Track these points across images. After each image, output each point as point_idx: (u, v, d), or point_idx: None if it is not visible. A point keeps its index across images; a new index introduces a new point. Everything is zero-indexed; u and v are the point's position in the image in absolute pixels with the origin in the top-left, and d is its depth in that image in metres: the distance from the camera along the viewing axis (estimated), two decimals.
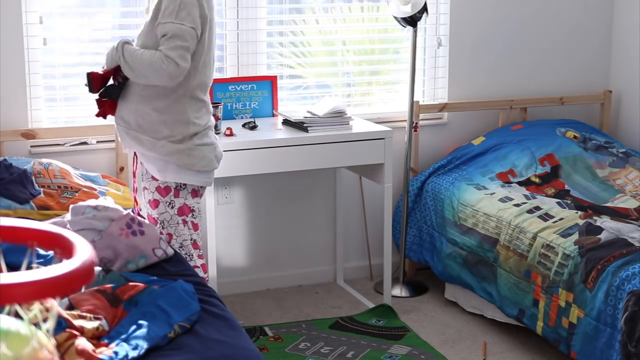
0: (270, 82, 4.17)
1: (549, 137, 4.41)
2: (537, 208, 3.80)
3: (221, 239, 4.20)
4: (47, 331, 1.27)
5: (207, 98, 3.21)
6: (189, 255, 3.21)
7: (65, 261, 1.23)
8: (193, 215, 3.21)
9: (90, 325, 2.37)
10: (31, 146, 3.88)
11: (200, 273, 3.22)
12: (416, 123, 4.40)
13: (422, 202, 4.34)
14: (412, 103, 4.32)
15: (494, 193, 4.02)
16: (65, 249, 1.28)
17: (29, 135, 3.78)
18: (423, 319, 4.05)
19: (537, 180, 4.17)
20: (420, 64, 4.55)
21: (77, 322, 2.35)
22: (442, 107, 4.56)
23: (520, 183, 4.14)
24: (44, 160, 3.60)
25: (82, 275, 1.20)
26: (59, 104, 3.96)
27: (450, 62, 4.59)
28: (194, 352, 2.30)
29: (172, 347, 2.33)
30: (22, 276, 1.14)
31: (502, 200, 3.93)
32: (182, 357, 2.27)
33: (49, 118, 3.93)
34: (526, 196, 3.96)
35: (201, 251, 3.28)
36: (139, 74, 3.03)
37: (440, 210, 4.18)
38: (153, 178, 3.15)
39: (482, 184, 4.13)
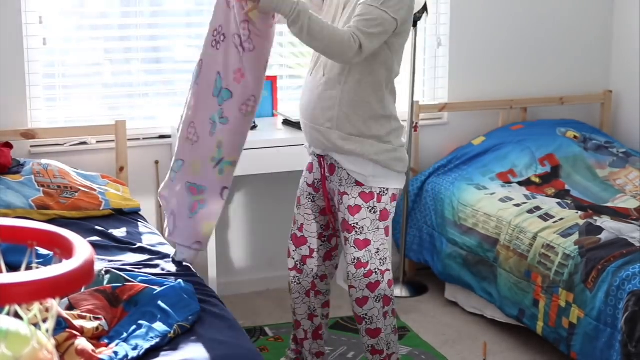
0: (270, 82, 4.17)
1: (549, 137, 4.41)
2: (538, 208, 3.80)
3: (221, 239, 4.19)
4: (47, 331, 1.27)
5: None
6: (382, 261, 3.07)
7: (65, 261, 1.23)
8: (390, 219, 3.09)
9: (90, 325, 2.37)
10: (31, 146, 3.88)
11: (385, 279, 3.08)
12: (416, 123, 4.40)
13: (422, 202, 4.34)
14: (412, 103, 4.32)
15: (494, 193, 4.02)
16: (65, 249, 1.28)
17: (28, 135, 3.78)
18: (423, 319, 4.05)
19: (537, 180, 4.17)
20: (420, 64, 4.54)
21: (77, 322, 2.35)
22: (442, 107, 4.55)
23: (520, 183, 4.14)
24: (44, 161, 3.60)
25: (82, 275, 1.20)
26: (59, 104, 3.96)
27: (450, 62, 4.59)
28: (194, 352, 2.30)
29: (172, 347, 2.33)
30: (22, 276, 1.14)
31: (502, 200, 3.93)
32: (182, 357, 2.28)
33: (48, 118, 3.92)
34: (526, 196, 3.96)
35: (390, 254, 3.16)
36: (318, 39, 2.75)
37: (440, 210, 4.18)
38: (357, 183, 2.99)
39: (482, 184, 4.13)
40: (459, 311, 4.11)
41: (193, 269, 3.03)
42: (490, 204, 3.93)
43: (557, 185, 4.14)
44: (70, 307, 2.47)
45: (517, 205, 3.86)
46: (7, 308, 1.23)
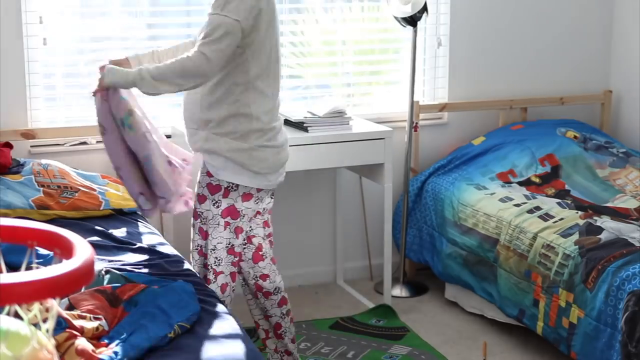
0: None
1: (549, 137, 4.41)
2: (538, 208, 3.80)
3: None
4: (47, 331, 1.27)
5: (274, 94, 3.10)
6: (218, 260, 3.11)
7: (65, 261, 1.23)
8: (240, 219, 3.11)
9: (90, 325, 2.36)
10: (31, 146, 3.88)
11: (217, 282, 3.12)
12: (416, 123, 4.40)
13: (422, 202, 4.34)
14: (412, 103, 4.32)
15: (494, 193, 4.02)
16: (65, 249, 1.28)
17: (28, 135, 3.78)
18: (423, 319, 4.05)
19: (537, 180, 4.17)
20: (420, 64, 4.54)
21: (77, 322, 2.35)
22: (442, 107, 4.55)
23: (520, 183, 4.13)
24: (44, 161, 3.60)
25: (82, 275, 1.20)
26: (59, 104, 3.96)
27: (450, 62, 4.59)
28: (194, 352, 2.30)
29: (172, 347, 2.33)
30: (22, 276, 1.14)
31: (502, 200, 3.93)
32: (182, 357, 2.27)
33: (48, 118, 3.92)
34: (526, 196, 3.96)
35: (236, 258, 3.16)
36: (173, 78, 2.90)
37: (440, 210, 4.18)
38: (207, 174, 3.08)
39: (482, 184, 4.13)
40: (459, 311, 4.11)
41: (193, 270, 3.03)
42: (490, 204, 3.93)
43: (557, 185, 4.14)
44: (70, 307, 2.47)
45: (517, 205, 3.85)
46: (7, 308, 1.23)
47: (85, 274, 1.20)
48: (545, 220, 3.68)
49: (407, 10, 4.12)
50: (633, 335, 2.99)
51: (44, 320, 1.25)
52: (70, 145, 3.94)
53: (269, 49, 3.02)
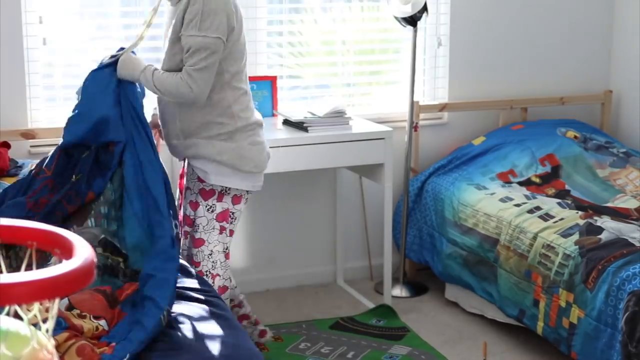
0: (270, 82, 4.17)
1: (550, 137, 4.41)
2: (538, 208, 3.80)
3: None
4: (47, 331, 1.27)
5: (248, 89, 3.11)
6: (214, 263, 3.11)
7: (65, 261, 1.22)
8: (232, 222, 3.12)
9: (89, 325, 2.37)
10: (31, 146, 3.87)
11: (215, 284, 3.11)
12: (416, 123, 4.39)
13: (422, 202, 4.34)
14: (412, 103, 4.32)
15: (494, 193, 4.02)
16: (65, 249, 1.28)
17: (28, 135, 3.78)
18: (423, 319, 4.04)
19: (537, 180, 4.16)
20: (420, 64, 4.54)
21: (77, 322, 2.35)
22: (442, 107, 4.55)
23: (520, 183, 4.13)
24: None
25: (82, 275, 1.20)
26: (59, 104, 3.96)
27: (450, 62, 4.59)
28: (194, 352, 2.30)
29: (172, 347, 2.33)
30: (22, 276, 1.14)
31: (502, 200, 3.93)
32: (182, 357, 2.27)
33: (48, 118, 3.92)
34: (526, 196, 3.95)
35: (229, 262, 3.18)
36: (168, 97, 2.98)
37: (440, 210, 4.17)
38: (199, 179, 3.07)
39: (483, 184, 4.13)
40: (459, 311, 4.10)
41: (192, 270, 3.03)
42: (491, 204, 3.93)
43: (557, 185, 4.14)
44: (70, 307, 2.47)
45: (517, 205, 3.85)
46: (7, 308, 1.23)
47: (85, 274, 1.20)
48: (546, 220, 3.68)
49: (407, 10, 4.12)
50: (633, 335, 2.99)
51: (44, 320, 1.25)
52: None
53: (242, 48, 3.04)
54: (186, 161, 3.18)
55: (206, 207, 3.07)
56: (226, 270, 3.16)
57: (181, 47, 2.94)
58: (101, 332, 2.39)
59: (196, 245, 3.10)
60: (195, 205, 3.09)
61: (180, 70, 2.94)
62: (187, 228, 3.14)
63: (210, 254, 3.10)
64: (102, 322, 2.42)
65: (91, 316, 2.43)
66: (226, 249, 3.14)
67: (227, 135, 3.01)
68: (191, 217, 3.11)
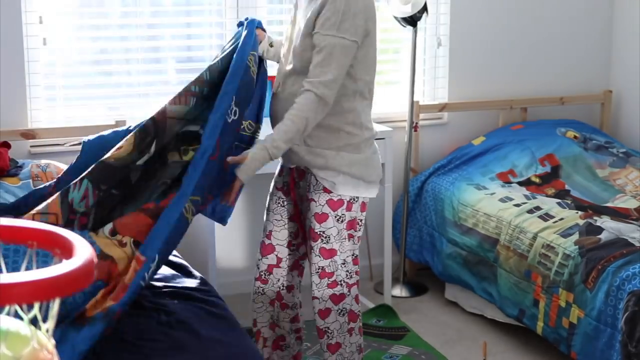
0: (270, 82, 4.16)
1: (549, 137, 4.41)
2: (538, 208, 3.80)
3: (221, 240, 4.19)
4: (47, 331, 1.27)
5: (372, 99, 2.94)
6: (349, 273, 2.96)
7: (65, 261, 1.22)
8: (359, 229, 3.00)
9: (123, 255, 2.46)
10: (31, 146, 3.88)
11: (351, 294, 2.98)
12: (416, 123, 4.40)
13: (422, 202, 4.34)
14: (412, 103, 4.32)
15: (494, 193, 4.02)
16: (65, 249, 1.28)
17: (28, 135, 3.78)
18: (423, 319, 4.05)
19: (537, 180, 4.17)
20: (420, 64, 4.55)
21: (114, 252, 2.42)
22: (442, 107, 4.55)
23: (520, 183, 4.14)
24: (43, 162, 3.60)
25: (82, 275, 1.20)
26: (59, 104, 3.96)
27: (450, 62, 4.59)
28: (194, 352, 2.30)
29: (172, 347, 2.33)
30: (22, 276, 1.14)
31: (502, 200, 3.93)
32: (182, 357, 2.27)
33: (48, 118, 3.92)
34: (526, 196, 3.96)
35: (358, 267, 3.05)
36: (302, 129, 2.72)
37: (440, 210, 4.18)
38: (325, 190, 2.87)
39: (482, 184, 4.13)
40: (459, 311, 4.11)
41: (192, 270, 3.03)
42: (490, 204, 3.93)
43: (557, 185, 4.14)
44: (113, 232, 2.50)
45: (517, 205, 3.86)
46: (7, 308, 1.23)
47: (85, 274, 1.20)
48: (545, 220, 3.68)
49: (407, 10, 4.12)
50: (633, 335, 2.99)
51: (44, 321, 1.25)
52: (70, 145, 3.94)
53: (374, 55, 2.87)
54: (295, 170, 2.98)
55: (335, 217, 2.89)
56: (358, 279, 3.04)
57: (311, 44, 2.74)
58: (131, 257, 2.47)
59: (328, 256, 2.92)
60: (324, 217, 2.90)
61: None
62: (311, 242, 2.92)
63: (344, 263, 2.94)
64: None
65: (132, 242, 2.46)
66: (355, 256, 3.01)
67: (355, 147, 2.86)
68: (316, 230, 2.90)
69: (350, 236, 2.95)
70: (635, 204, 3.88)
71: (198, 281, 2.87)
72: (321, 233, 2.88)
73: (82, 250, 1.24)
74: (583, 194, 4.07)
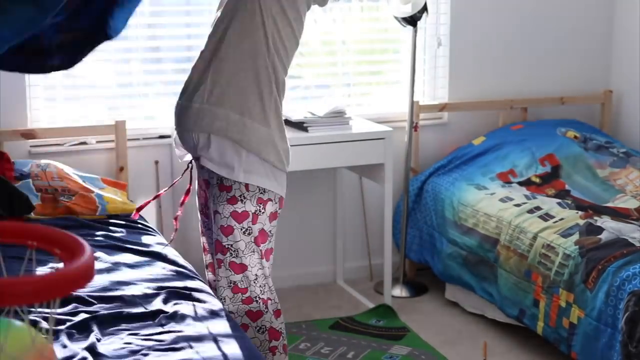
0: None
1: (550, 137, 4.41)
2: (538, 208, 3.80)
3: None
4: (47, 331, 1.27)
5: None
6: (262, 288, 2.85)
7: (65, 261, 1.23)
8: (268, 242, 2.90)
9: None
10: (31, 146, 3.87)
11: (269, 312, 2.84)
12: (416, 123, 4.40)
13: (422, 202, 4.34)
14: (412, 103, 4.32)
15: (494, 193, 4.02)
16: (65, 249, 1.28)
17: (28, 135, 3.78)
18: (423, 319, 4.04)
19: (537, 180, 4.16)
20: (420, 64, 4.54)
21: None
22: (442, 107, 4.55)
23: (520, 183, 4.13)
24: (43, 162, 3.60)
25: (82, 275, 1.20)
26: (59, 104, 3.96)
27: (450, 62, 4.59)
28: (194, 352, 2.30)
29: (173, 347, 2.32)
30: (22, 276, 1.14)
31: (502, 200, 3.93)
32: (183, 357, 2.27)
33: (48, 118, 3.92)
34: (526, 196, 3.95)
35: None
36: None
37: (440, 210, 4.17)
38: (228, 201, 2.79)
39: (483, 184, 4.13)
40: (459, 311, 4.11)
41: (193, 270, 3.03)
42: (491, 204, 3.93)
43: (557, 185, 4.14)
44: None
45: (517, 205, 3.85)
46: (7, 308, 1.23)
47: (85, 274, 1.20)
48: (546, 220, 3.68)
49: (407, 10, 4.12)
50: (633, 335, 2.99)
51: (44, 320, 1.25)
52: (70, 145, 3.94)
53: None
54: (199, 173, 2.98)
55: (242, 230, 2.79)
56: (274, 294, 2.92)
57: None
58: None
59: (238, 271, 2.79)
60: (229, 230, 2.78)
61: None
62: (219, 256, 2.81)
63: (256, 279, 2.82)
64: None
65: None
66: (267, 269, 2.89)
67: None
68: (224, 244, 2.80)
69: (261, 250, 2.80)
70: (636, 204, 3.88)
71: (198, 281, 2.87)
72: (229, 247, 2.77)
73: (82, 250, 1.24)
74: (583, 194, 4.07)
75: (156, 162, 4.09)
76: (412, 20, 4.16)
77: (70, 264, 1.20)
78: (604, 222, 3.60)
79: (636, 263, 3.17)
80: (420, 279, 4.50)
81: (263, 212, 2.78)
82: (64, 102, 3.97)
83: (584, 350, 3.24)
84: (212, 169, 2.73)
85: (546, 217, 3.70)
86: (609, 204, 3.93)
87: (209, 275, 3.10)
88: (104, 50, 4.07)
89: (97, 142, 3.97)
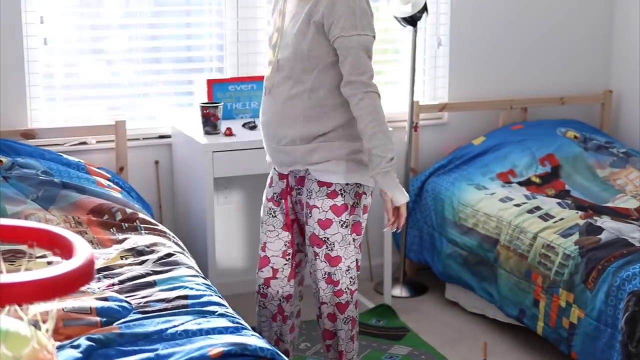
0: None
1: (550, 137, 4.41)
2: (538, 208, 3.80)
3: (221, 240, 4.19)
4: (47, 331, 1.27)
5: None
6: (352, 279, 2.98)
7: (65, 261, 1.23)
8: (362, 233, 3.02)
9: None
10: None
11: (353, 300, 3.01)
12: (416, 123, 4.40)
13: (422, 202, 4.34)
14: (412, 103, 4.32)
15: (494, 193, 4.02)
16: (65, 249, 1.28)
17: (28, 135, 3.78)
18: (423, 319, 4.05)
19: (537, 180, 4.17)
20: (420, 64, 4.54)
21: None
22: (442, 107, 4.55)
23: (520, 183, 4.14)
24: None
25: (82, 275, 1.20)
26: (59, 104, 3.96)
27: (450, 62, 4.59)
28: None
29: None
30: (22, 276, 1.14)
31: (502, 200, 3.93)
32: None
33: (48, 118, 3.92)
34: (526, 196, 3.96)
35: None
36: (385, 129, 2.80)
37: (440, 211, 4.17)
38: (328, 195, 2.90)
39: (483, 184, 4.13)
40: (459, 311, 4.11)
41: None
42: (491, 204, 3.93)
43: (557, 185, 4.14)
44: None
45: (517, 205, 3.85)
46: (7, 308, 1.23)
47: (85, 274, 1.20)
48: (546, 220, 3.68)
49: (407, 10, 4.12)
50: (633, 335, 2.99)
51: (44, 321, 1.25)
52: (70, 145, 3.94)
53: None
54: (292, 177, 3.03)
55: (340, 222, 2.92)
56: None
57: (306, 38, 2.78)
58: None
59: (333, 263, 2.93)
60: (328, 223, 2.91)
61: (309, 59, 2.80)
62: (315, 249, 2.95)
63: (348, 270, 2.96)
64: None
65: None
66: (357, 261, 3.03)
67: (352, 136, 2.93)
68: (320, 237, 2.93)
69: (355, 241, 2.99)
70: (636, 204, 3.88)
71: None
72: (326, 239, 2.92)
73: (82, 250, 1.24)
74: (583, 194, 4.07)
75: (156, 162, 4.09)
76: (412, 20, 4.16)
77: (71, 264, 1.20)
78: (604, 222, 3.60)
79: (636, 263, 3.18)
80: (420, 279, 4.50)
81: (359, 205, 2.97)
82: (64, 102, 3.97)
83: (584, 350, 3.24)
84: (317, 177, 2.90)
85: (546, 217, 3.71)
86: (609, 204, 3.93)
87: (274, 287, 3.08)
88: (104, 50, 4.08)
89: (97, 142, 3.97)
